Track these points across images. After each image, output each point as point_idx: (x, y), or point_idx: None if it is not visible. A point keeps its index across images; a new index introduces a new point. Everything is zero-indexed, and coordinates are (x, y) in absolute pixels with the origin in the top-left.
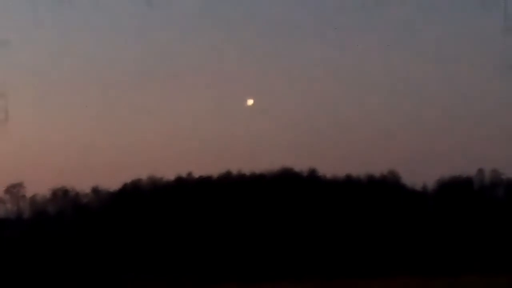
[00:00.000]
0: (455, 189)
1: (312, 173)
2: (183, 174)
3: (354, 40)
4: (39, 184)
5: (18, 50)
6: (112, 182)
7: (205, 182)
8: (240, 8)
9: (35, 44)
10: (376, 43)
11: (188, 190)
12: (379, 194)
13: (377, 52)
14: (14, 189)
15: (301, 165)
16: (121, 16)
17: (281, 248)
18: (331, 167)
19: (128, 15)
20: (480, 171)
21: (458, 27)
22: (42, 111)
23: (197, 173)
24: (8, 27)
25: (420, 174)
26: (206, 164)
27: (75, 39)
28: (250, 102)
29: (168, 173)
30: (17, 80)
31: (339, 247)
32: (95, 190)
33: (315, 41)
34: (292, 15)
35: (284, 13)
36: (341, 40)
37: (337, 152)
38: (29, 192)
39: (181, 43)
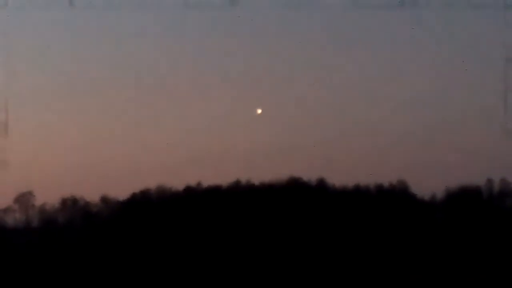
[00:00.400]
0: (464, 199)
1: (321, 183)
2: (192, 183)
3: (364, 51)
4: (49, 193)
5: (27, 58)
6: (121, 192)
7: (214, 192)
8: (246, 16)
9: (43, 52)
10: (385, 54)
11: (197, 199)
12: (388, 203)
13: (386, 62)
14: (23, 198)
15: (310, 174)
16: (129, 24)
17: (290, 258)
18: (340, 176)
19: (135, 20)
20: (489, 180)
21: (463, 40)
22: (51, 120)
23: (206, 182)
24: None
25: (429, 184)
26: (215, 173)
27: (83, 49)
28: (258, 111)
29: (177, 183)
30: (26, 89)
31: (348, 256)
32: (104, 199)
33: (325, 51)
34: (302, 25)
35: (294, 22)
36: (351, 50)
37: (346, 161)
38: (38, 201)
39: (189, 53)
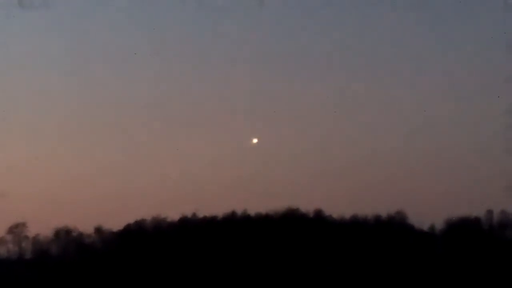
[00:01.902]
0: (464, 230)
1: (318, 214)
2: (188, 214)
3: (360, 83)
4: (42, 224)
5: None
6: (116, 222)
7: (210, 223)
8: (246, 48)
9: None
10: (383, 84)
11: (192, 230)
12: (386, 234)
13: (383, 93)
14: (16, 229)
15: (307, 205)
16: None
17: None
18: (338, 207)
19: (133, 51)
20: (489, 212)
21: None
22: (45, 150)
23: (201, 213)
24: None
25: (428, 215)
26: (211, 204)
27: (79, 77)
28: (254, 141)
29: (173, 214)
30: (20, 118)
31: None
32: (99, 230)
33: (321, 82)
34: (301, 55)
35: (292, 53)
36: (348, 81)
37: (344, 192)
38: (31, 232)
39: (183, 84)
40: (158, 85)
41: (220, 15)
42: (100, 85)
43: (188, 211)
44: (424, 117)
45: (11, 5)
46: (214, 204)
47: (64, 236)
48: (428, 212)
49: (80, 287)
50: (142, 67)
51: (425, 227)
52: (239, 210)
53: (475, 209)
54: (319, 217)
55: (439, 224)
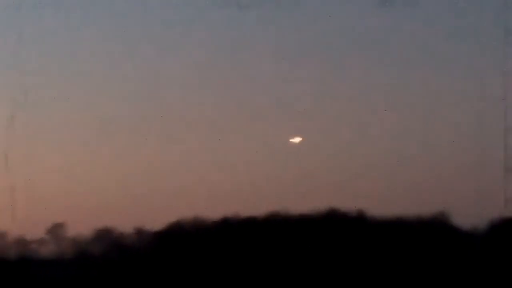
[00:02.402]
0: (508, 231)
1: (360, 214)
2: (229, 214)
3: (410, 79)
4: (81, 224)
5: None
6: (157, 222)
7: (251, 223)
8: (291, 41)
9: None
10: (434, 79)
11: (234, 230)
12: (428, 235)
13: (434, 89)
14: (55, 230)
15: (348, 205)
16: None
17: None
18: (380, 208)
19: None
20: None
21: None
22: (85, 150)
23: (243, 213)
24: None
25: (472, 215)
26: (252, 204)
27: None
28: (296, 140)
29: (214, 214)
30: (58, 116)
31: None
32: (139, 231)
33: (367, 79)
34: (345, 52)
35: (338, 49)
36: (396, 78)
37: (386, 192)
38: (71, 232)
39: (220, 78)
40: (196, 81)
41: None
42: (139, 83)
43: (229, 212)
44: (472, 115)
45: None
46: (255, 204)
47: (104, 236)
48: (472, 212)
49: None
50: (177, 64)
51: (468, 227)
52: (280, 211)
53: None
54: (361, 218)
55: (483, 225)
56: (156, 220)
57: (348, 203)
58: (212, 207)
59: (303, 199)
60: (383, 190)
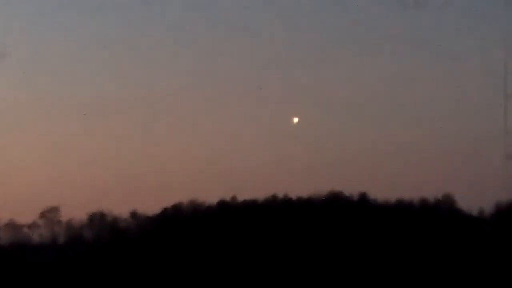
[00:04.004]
0: None
1: (363, 197)
2: (227, 198)
3: (408, 63)
4: (75, 208)
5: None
6: (152, 207)
7: (250, 207)
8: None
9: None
10: (434, 64)
11: (232, 214)
12: (433, 219)
13: (433, 73)
14: (49, 213)
15: (351, 189)
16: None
17: (331, 274)
18: (383, 191)
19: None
20: None
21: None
22: (78, 133)
23: (241, 197)
24: None
25: (477, 198)
26: (251, 187)
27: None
28: (295, 120)
29: (211, 197)
30: (54, 101)
31: (391, 274)
32: (134, 215)
33: (369, 63)
34: (345, 36)
35: (337, 33)
36: (395, 62)
37: (389, 175)
38: (65, 216)
39: (220, 63)
40: (194, 65)
41: None
42: (133, 67)
43: (227, 195)
44: (472, 98)
45: None
46: (254, 187)
47: (98, 220)
48: (477, 195)
49: (115, 272)
50: (181, 46)
51: (474, 211)
52: (280, 194)
53: None
54: (363, 201)
55: (489, 208)
56: (152, 204)
57: (350, 187)
58: (209, 190)
59: (303, 182)
60: (386, 173)
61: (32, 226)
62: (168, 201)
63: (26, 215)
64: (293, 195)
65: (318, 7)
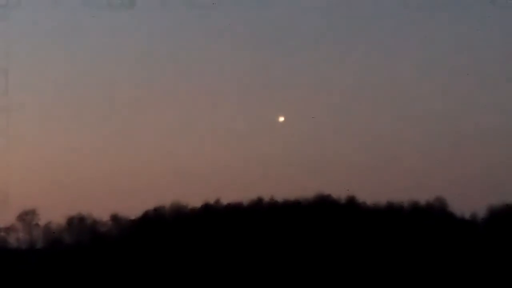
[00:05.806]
0: (508, 218)
1: (351, 201)
2: (211, 200)
3: (400, 64)
4: (54, 211)
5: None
6: (133, 210)
7: (234, 210)
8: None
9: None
10: (426, 70)
11: (215, 218)
12: (424, 223)
13: (426, 79)
14: (26, 216)
15: (339, 191)
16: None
17: (318, 278)
18: (372, 194)
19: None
20: None
21: None
22: (58, 134)
23: (226, 199)
24: None
25: (470, 202)
26: (236, 190)
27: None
28: (281, 119)
29: (194, 200)
30: (32, 102)
31: (381, 279)
32: (115, 218)
33: (359, 63)
34: (333, 33)
35: (325, 30)
36: (377, 63)
37: (378, 177)
38: (42, 219)
39: (212, 59)
40: (180, 65)
41: None
42: (115, 64)
43: (211, 198)
44: (467, 102)
45: None
46: (238, 189)
47: (78, 224)
48: (470, 199)
49: (95, 277)
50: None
51: (467, 215)
52: (266, 197)
53: None
54: (351, 204)
55: (482, 212)
56: (133, 207)
57: (338, 189)
58: (192, 193)
59: (290, 185)
60: (376, 175)
61: (9, 229)
62: (150, 204)
63: (3, 218)
64: (279, 198)
65: (305, 6)
